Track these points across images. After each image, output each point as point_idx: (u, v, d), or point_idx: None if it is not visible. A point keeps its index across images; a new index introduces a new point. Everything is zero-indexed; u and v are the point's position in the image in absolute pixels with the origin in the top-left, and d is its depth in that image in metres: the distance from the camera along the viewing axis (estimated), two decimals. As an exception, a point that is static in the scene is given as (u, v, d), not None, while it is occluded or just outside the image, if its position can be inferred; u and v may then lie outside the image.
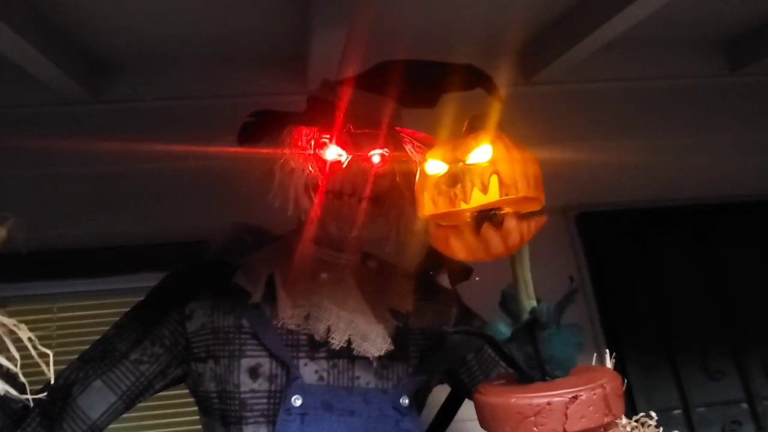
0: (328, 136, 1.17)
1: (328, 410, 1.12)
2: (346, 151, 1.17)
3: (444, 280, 1.34)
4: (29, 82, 1.75)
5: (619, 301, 2.12)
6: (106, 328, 1.23)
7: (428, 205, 0.90)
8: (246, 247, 1.28)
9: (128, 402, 1.16)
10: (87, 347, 1.20)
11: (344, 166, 1.17)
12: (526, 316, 0.91)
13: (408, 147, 1.24)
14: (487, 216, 0.89)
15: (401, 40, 1.98)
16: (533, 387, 0.87)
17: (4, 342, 0.79)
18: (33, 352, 0.78)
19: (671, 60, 2.30)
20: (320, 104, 1.22)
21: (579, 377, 0.88)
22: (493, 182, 0.85)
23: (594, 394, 0.82)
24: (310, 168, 1.17)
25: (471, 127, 0.93)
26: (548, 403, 0.81)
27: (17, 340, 0.79)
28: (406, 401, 1.19)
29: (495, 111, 0.94)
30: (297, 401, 1.11)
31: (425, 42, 2.00)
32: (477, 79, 1.16)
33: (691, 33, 2.23)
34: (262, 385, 1.14)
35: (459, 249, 0.91)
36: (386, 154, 1.20)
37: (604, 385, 0.83)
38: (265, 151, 1.20)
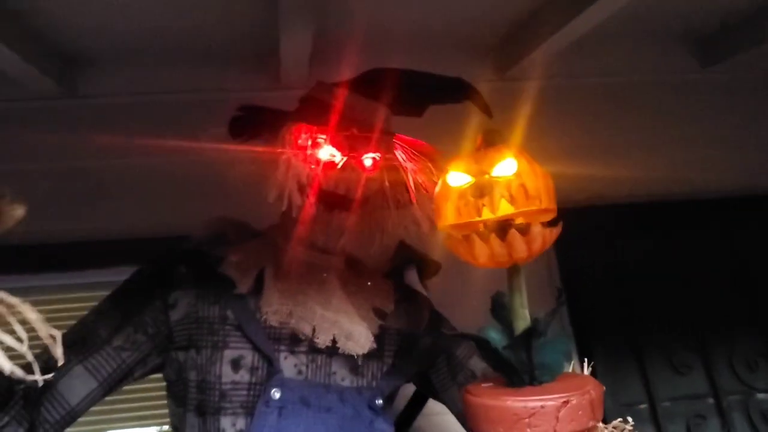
0: (323, 137, 1.19)
1: (305, 405, 1.15)
2: (341, 153, 1.19)
3: (412, 276, 1.36)
4: (1, 77, 1.73)
5: (586, 297, 2.15)
6: (77, 321, 1.22)
7: (451, 215, 0.96)
8: (226, 241, 1.30)
9: (108, 388, 1.16)
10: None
11: (339, 167, 1.19)
12: (519, 323, 0.96)
13: (399, 152, 1.28)
14: (508, 225, 0.95)
15: (374, 38, 2.00)
16: (526, 391, 0.93)
17: (8, 322, 0.79)
18: (42, 332, 0.80)
19: (642, 56, 2.32)
20: (318, 104, 1.24)
21: (566, 383, 0.94)
22: (520, 194, 0.92)
23: (583, 399, 0.88)
24: (306, 166, 1.19)
25: (487, 141, 0.99)
26: (542, 406, 0.87)
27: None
28: (381, 402, 1.24)
29: (519, 126, 1.05)
30: (276, 394, 1.13)
31: (400, 39, 2.02)
32: (465, 93, 1.22)
33: (662, 29, 2.25)
34: (243, 376, 1.16)
35: (482, 255, 0.95)
36: (378, 158, 1.23)
37: (591, 391, 0.90)
38: (256, 148, 1.22)
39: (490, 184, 0.92)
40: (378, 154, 1.23)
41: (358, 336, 1.20)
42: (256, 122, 1.24)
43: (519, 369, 0.94)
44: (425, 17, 1.94)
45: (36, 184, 1.92)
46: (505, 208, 0.91)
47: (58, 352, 0.80)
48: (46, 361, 1.13)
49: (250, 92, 2.04)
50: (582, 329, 2.10)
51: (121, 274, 1.32)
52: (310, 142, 1.20)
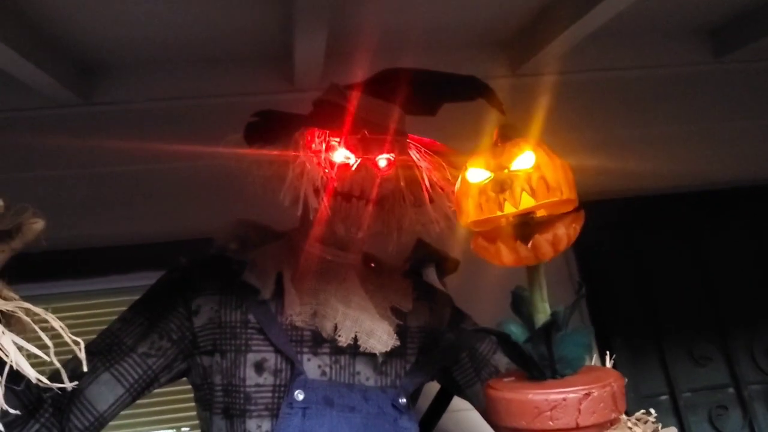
0: (337, 139, 1.19)
1: (329, 405, 1.16)
2: (355, 155, 1.19)
3: (431, 274, 1.37)
4: (19, 87, 1.75)
5: (606, 289, 2.15)
6: (102, 327, 1.23)
7: (473, 211, 0.97)
8: (249, 244, 1.31)
9: (135, 394, 1.17)
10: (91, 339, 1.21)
11: (353, 168, 1.19)
12: (540, 317, 0.97)
13: (413, 152, 1.27)
14: (527, 221, 0.97)
15: (388, 38, 2.00)
16: (547, 384, 0.93)
17: (33, 330, 0.82)
18: (68, 339, 0.82)
19: (656, 49, 2.30)
20: (330, 107, 1.25)
21: (588, 376, 0.95)
22: (540, 186, 0.92)
23: (604, 391, 0.89)
24: (320, 170, 1.19)
25: (503, 135, 0.99)
26: (564, 399, 0.87)
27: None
28: (404, 401, 1.23)
29: (538, 118, 1.03)
30: (299, 396, 1.14)
31: (412, 37, 2.02)
32: (479, 91, 1.21)
33: (676, 21, 2.23)
34: (267, 379, 1.17)
35: (508, 257, 0.97)
36: (392, 159, 1.23)
37: (612, 383, 0.90)
38: (273, 152, 1.21)
39: (510, 179, 0.93)
40: (392, 155, 1.23)
41: (380, 334, 1.20)
42: (270, 127, 1.23)
43: (540, 363, 0.95)
44: (438, 15, 1.93)
45: (55, 191, 1.95)
46: (526, 202, 0.92)
47: (82, 357, 0.83)
48: (73, 370, 1.15)
49: (263, 95, 2.06)
50: (602, 322, 2.10)
51: (142, 279, 1.33)
52: (324, 146, 1.20)
